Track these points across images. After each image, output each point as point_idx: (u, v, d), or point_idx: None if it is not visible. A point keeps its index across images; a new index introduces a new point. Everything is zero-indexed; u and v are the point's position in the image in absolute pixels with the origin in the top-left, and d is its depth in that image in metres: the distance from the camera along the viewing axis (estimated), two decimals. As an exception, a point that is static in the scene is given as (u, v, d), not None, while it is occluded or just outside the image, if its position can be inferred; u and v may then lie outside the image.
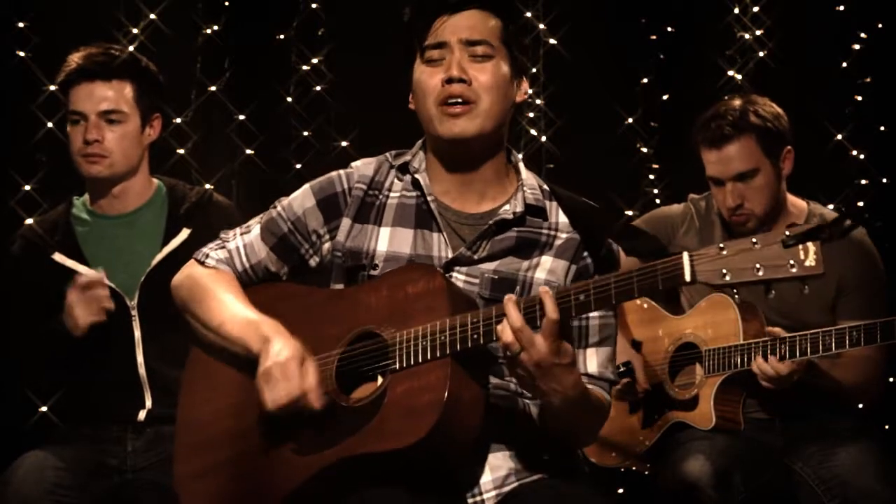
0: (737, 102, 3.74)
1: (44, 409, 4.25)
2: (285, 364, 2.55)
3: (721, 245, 2.25)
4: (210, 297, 2.75)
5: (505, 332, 2.39)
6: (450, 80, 2.61)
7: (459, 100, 2.61)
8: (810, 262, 2.21)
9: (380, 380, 2.53)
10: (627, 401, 3.90)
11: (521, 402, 2.63)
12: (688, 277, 2.26)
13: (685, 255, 2.27)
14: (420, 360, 2.47)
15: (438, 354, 2.45)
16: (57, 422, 3.92)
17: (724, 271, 2.24)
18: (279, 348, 2.57)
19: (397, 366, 2.50)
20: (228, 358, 2.71)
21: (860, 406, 3.95)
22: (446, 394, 2.41)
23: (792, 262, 2.21)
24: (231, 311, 2.71)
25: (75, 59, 3.53)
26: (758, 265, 2.22)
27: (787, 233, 2.22)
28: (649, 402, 3.86)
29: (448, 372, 2.43)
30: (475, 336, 2.44)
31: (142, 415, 3.48)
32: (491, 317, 2.44)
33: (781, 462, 3.64)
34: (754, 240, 2.24)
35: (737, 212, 3.68)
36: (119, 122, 3.50)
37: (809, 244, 2.20)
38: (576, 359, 2.47)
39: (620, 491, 4.48)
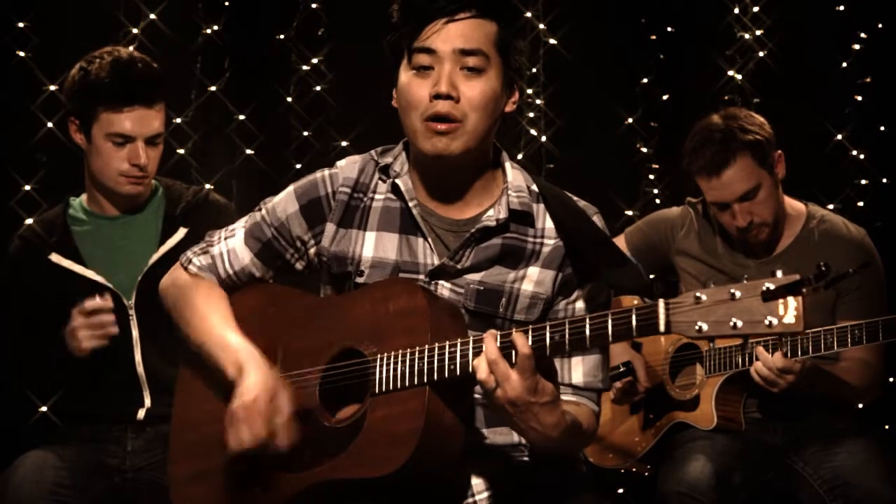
0: (718, 121, 3.69)
1: (44, 409, 4.25)
2: (252, 404, 2.50)
3: (698, 293, 2.16)
4: (192, 312, 2.71)
5: (480, 369, 2.34)
6: (437, 96, 2.52)
7: (447, 117, 2.52)
8: (790, 318, 2.08)
9: (363, 399, 2.50)
10: (628, 402, 3.90)
11: None
12: (662, 328, 2.19)
13: (661, 305, 2.19)
14: (398, 386, 2.44)
15: (416, 382, 2.42)
16: (57, 422, 3.92)
17: (700, 324, 2.15)
18: (251, 383, 2.52)
19: (376, 389, 2.47)
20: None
21: (860, 406, 3.96)
22: (422, 424, 2.38)
23: (770, 318, 2.09)
24: (211, 330, 2.66)
25: (113, 74, 3.44)
26: (735, 320, 2.12)
27: (768, 285, 2.10)
28: (650, 402, 3.86)
29: (425, 402, 2.40)
30: (452, 367, 2.39)
31: (141, 414, 3.47)
32: (468, 347, 2.39)
33: (783, 462, 3.64)
34: (733, 290, 2.13)
35: (749, 230, 3.67)
36: (158, 144, 3.52)
37: (790, 299, 2.08)
38: (558, 398, 2.40)
39: (620, 491, 4.48)
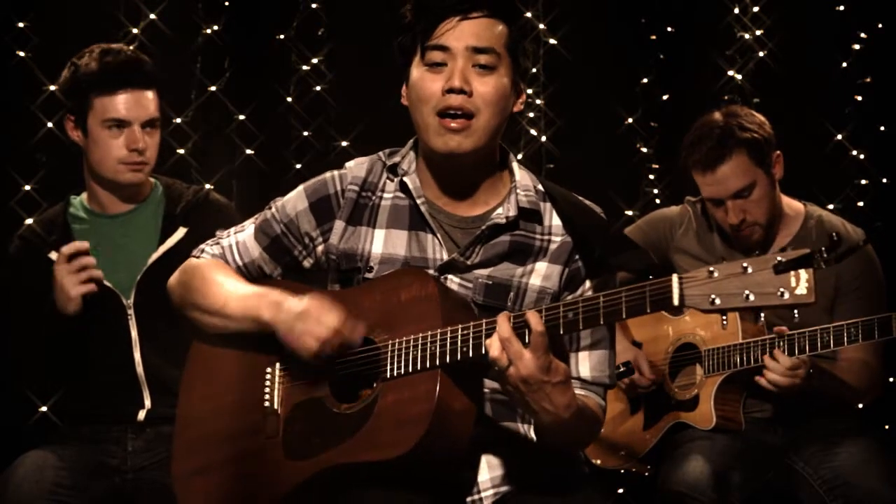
0: (718, 118, 3.71)
1: (44, 409, 4.25)
2: (309, 307, 2.53)
3: (711, 268, 2.20)
4: (209, 282, 2.73)
5: (493, 346, 2.37)
6: (450, 90, 2.56)
7: (459, 112, 2.56)
8: (801, 290, 2.13)
9: (373, 385, 2.52)
10: (629, 402, 3.90)
11: None
12: (676, 301, 2.22)
13: (674, 279, 2.23)
14: (410, 370, 2.46)
15: (428, 365, 2.44)
16: (57, 422, 3.92)
17: (713, 297, 2.19)
18: (294, 302, 2.57)
19: (388, 374, 2.49)
20: (230, 352, 2.71)
21: (860, 406, 3.96)
22: (434, 406, 2.40)
23: (782, 290, 2.14)
24: (233, 289, 2.70)
25: (102, 62, 3.47)
26: (747, 292, 2.17)
27: (779, 258, 2.15)
28: (650, 402, 3.86)
29: (437, 384, 2.42)
30: (465, 349, 2.42)
31: (141, 415, 3.47)
32: (481, 329, 2.42)
33: (782, 462, 3.64)
34: (745, 264, 2.18)
35: (741, 227, 3.67)
36: (155, 129, 3.53)
37: (801, 271, 2.13)
38: (569, 378, 2.44)
39: (620, 491, 4.48)
